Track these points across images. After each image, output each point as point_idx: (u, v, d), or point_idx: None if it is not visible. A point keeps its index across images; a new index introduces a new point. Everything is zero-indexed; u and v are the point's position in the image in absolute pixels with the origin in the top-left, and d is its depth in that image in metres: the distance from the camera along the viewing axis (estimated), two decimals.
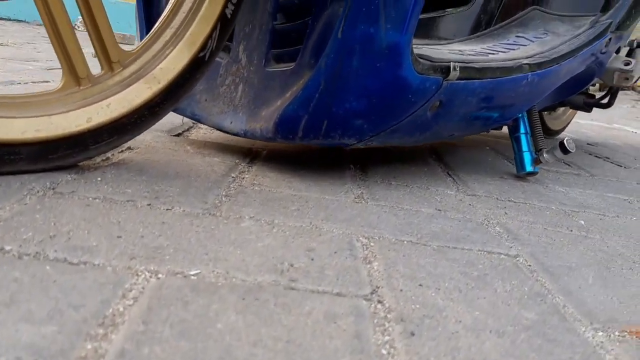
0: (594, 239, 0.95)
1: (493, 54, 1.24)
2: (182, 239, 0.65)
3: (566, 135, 1.28)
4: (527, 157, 1.32)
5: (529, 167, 1.31)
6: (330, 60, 0.92)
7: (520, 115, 1.33)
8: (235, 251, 0.64)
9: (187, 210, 0.76)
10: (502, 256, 0.78)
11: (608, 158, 1.88)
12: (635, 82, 1.76)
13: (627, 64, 1.57)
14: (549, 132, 2.21)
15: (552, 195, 1.22)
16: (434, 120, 1.08)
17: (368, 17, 0.90)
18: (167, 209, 0.76)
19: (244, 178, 0.99)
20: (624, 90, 2.10)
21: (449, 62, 1.02)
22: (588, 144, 2.30)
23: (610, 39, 1.46)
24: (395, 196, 1.03)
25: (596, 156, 1.90)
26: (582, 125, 3.05)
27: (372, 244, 0.75)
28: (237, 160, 1.11)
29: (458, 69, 1.02)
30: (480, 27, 1.39)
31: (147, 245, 0.62)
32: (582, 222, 1.06)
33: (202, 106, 1.13)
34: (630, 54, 1.76)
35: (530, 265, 0.77)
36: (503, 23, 1.40)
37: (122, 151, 1.03)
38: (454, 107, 1.08)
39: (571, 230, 0.98)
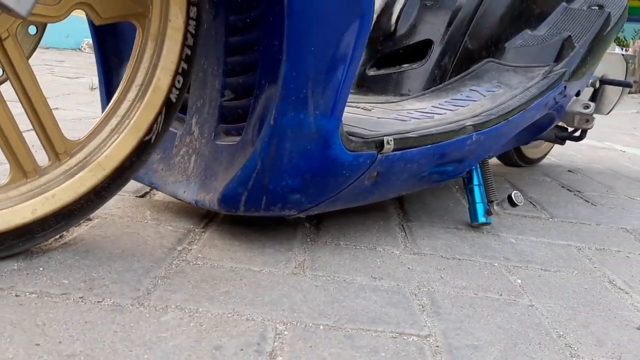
0: (519, 305, 0.98)
1: (441, 113, 1.28)
2: (97, 343, 0.70)
3: (514, 190, 1.31)
4: (480, 209, 1.35)
5: (481, 219, 1.34)
6: (264, 143, 0.97)
7: (474, 167, 1.36)
8: (144, 355, 0.69)
9: (116, 301, 0.82)
10: (412, 338, 0.82)
11: (579, 192, 1.91)
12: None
13: (587, 107, 1.60)
14: (528, 161, 2.24)
15: (499, 249, 1.25)
16: (375, 188, 1.12)
17: (297, 105, 0.95)
18: (97, 301, 0.81)
19: (190, 250, 1.04)
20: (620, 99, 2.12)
21: (383, 136, 1.06)
22: (569, 170, 2.32)
23: (565, 87, 1.49)
24: (335, 263, 1.07)
25: (568, 189, 1.93)
26: (570, 146, 3.06)
27: (286, 332, 0.79)
28: (191, 226, 1.16)
29: (392, 142, 1.06)
30: (435, 82, 1.43)
31: (61, 354, 0.67)
32: (519, 282, 1.10)
33: (159, 175, 1.19)
34: (594, 94, 1.79)
35: (437, 347, 0.81)
36: (458, 77, 1.43)
37: (79, 224, 1.08)
38: (393, 175, 1.12)
39: (501, 295, 1.02)
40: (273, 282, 0.95)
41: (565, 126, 2.02)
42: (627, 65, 1.99)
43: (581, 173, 2.27)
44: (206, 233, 1.14)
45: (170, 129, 1.20)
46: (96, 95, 2.96)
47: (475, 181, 1.37)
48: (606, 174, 2.31)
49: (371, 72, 1.44)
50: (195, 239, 1.10)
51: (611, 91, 2.00)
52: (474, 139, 1.24)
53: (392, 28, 1.45)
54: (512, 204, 1.30)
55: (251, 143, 1.01)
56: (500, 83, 1.43)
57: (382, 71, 1.43)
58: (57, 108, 2.48)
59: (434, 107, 1.33)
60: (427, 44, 1.44)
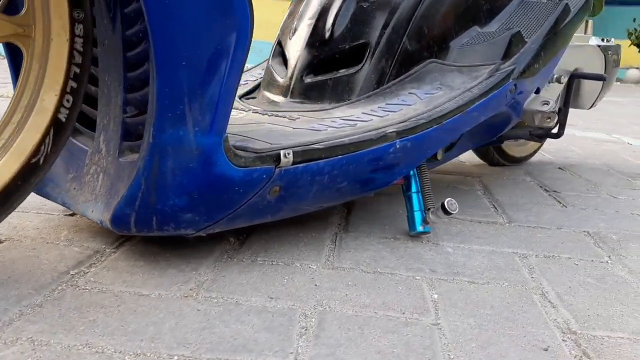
0: (419, 325, 0.91)
1: (366, 120, 1.21)
2: None
3: (448, 198, 1.23)
4: (417, 217, 1.28)
5: (418, 228, 1.27)
6: (146, 162, 0.93)
7: (412, 173, 1.29)
8: None
9: None
10: None
11: (556, 192, 1.80)
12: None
13: (546, 103, 1.50)
14: (514, 160, 2.14)
15: (430, 260, 1.18)
16: (282, 203, 1.07)
17: (175, 121, 0.90)
18: None
19: (86, 274, 1.00)
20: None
21: (280, 150, 1.00)
22: (559, 168, 2.21)
23: (515, 86, 1.40)
24: (238, 282, 1.02)
25: (545, 189, 1.83)
26: (574, 139, 2.93)
27: None
28: (103, 247, 1.13)
29: (290, 155, 1.00)
30: (373, 87, 1.36)
31: None
32: (435, 297, 1.03)
33: (71, 194, 1.15)
34: (568, 89, 1.69)
35: None
36: (397, 80, 1.36)
37: None
38: (300, 189, 1.06)
39: (404, 313, 0.95)
40: (154, 307, 0.91)
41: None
42: (605, 57, 1.87)
43: (571, 170, 2.16)
44: (116, 253, 1.11)
45: (82, 146, 1.17)
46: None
47: (414, 188, 1.30)
48: (598, 170, 2.19)
49: (308, 79, 1.38)
50: (100, 261, 1.06)
51: (591, 84, 1.89)
52: (397, 146, 1.17)
53: (329, 32, 1.38)
54: (446, 212, 1.22)
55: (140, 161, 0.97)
56: (442, 84, 1.36)
57: (319, 78, 1.37)
58: None
59: (364, 113, 1.26)
60: (363, 48, 1.37)
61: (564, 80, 1.65)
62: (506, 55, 1.40)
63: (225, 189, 0.96)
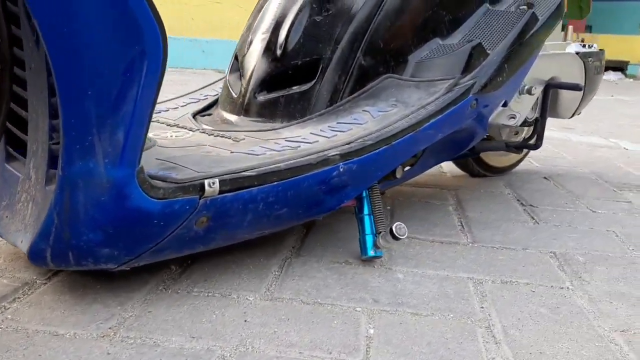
0: None
1: (310, 142, 1.16)
2: None
3: (397, 222, 1.17)
4: (369, 241, 1.22)
5: (369, 252, 1.21)
6: (58, 195, 0.88)
7: (364, 194, 1.23)
8: None
9: None
10: None
11: (532, 206, 1.73)
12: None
13: (512, 117, 1.43)
14: (496, 170, 2.06)
15: (376, 288, 1.12)
16: (212, 233, 1.01)
17: (85, 153, 0.85)
18: None
19: (6, 310, 0.96)
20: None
21: (204, 179, 0.95)
22: (544, 177, 2.14)
23: (477, 100, 1.34)
24: (163, 319, 0.97)
25: (522, 203, 1.75)
26: (568, 144, 2.84)
27: None
28: (34, 277, 1.09)
29: (216, 184, 0.95)
30: (326, 104, 1.30)
31: None
32: (372, 332, 0.97)
33: (4, 223, 1.11)
34: (544, 99, 1.61)
35: None
36: (351, 97, 1.30)
37: None
38: (231, 218, 1.00)
39: (330, 353, 0.90)
40: (62, 350, 0.86)
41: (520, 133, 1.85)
42: (585, 65, 1.79)
43: (556, 180, 2.08)
44: (46, 285, 1.06)
45: (16, 173, 1.12)
46: None
47: (365, 210, 1.24)
48: (585, 180, 2.10)
49: (261, 97, 1.32)
50: (26, 294, 1.02)
51: (570, 92, 1.81)
52: (341, 169, 1.11)
53: (281, 47, 1.33)
54: (394, 237, 1.16)
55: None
56: (398, 101, 1.29)
57: (272, 95, 1.32)
58: None
59: (313, 133, 1.20)
60: (316, 63, 1.31)
61: (536, 91, 1.57)
62: (466, 69, 1.33)
63: (142, 222, 0.91)
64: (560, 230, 1.50)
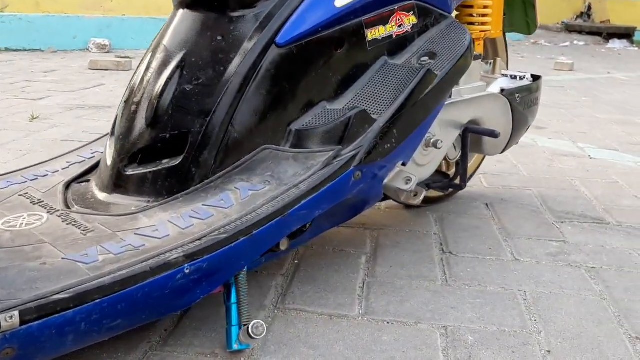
0: None
1: (158, 237, 1.06)
2: None
3: (255, 320, 1.08)
4: (234, 333, 1.14)
5: (233, 345, 1.13)
6: None
7: (232, 281, 1.14)
8: None
9: None
10: None
11: (451, 253, 1.63)
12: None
13: (408, 180, 1.32)
14: (428, 201, 1.95)
15: None
16: (28, 357, 0.93)
17: None
18: None
19: None
20: None
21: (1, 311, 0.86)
22: (486, 204, 2.02)
23: (362, 171, 1.23)
24: None
25: (442, 250, 1.65)
26: (531, 151, 2.70)
27: None
28: None
29: (15, 318, 0.87)
30: (195, 181, 1.20)
31: None
32: None
33: None
34: (464, 144, 1.50)
35: None
36: (224, 172, 1.20)
37: None
38: (45, 343, 0.92)
39: None
40: None
41: (444, 172, 1.73)
42: (511, 102, 1.66)
43: (496, 210, 1.97)
44: None
45: None
46: (32, 129, 2.85)
47: (232, 299, 1.15)
48: (526, 209, 1.98)
49: (129, 171, 1.22)
50: None
51: (500, 128, 1.68)
52: (187, 270, 1.02)
53: (150, 118, 1.22)
54: (250, 335, 1.07)
55: None
56: (273, 176, 1.19)
57: (140, 170, 1.22)
58: None
59: (170, 221, 1.11)
60: (185, 137, 1.21)
61: (444, 143, 1.45)
62: (348, 139, 1.22)
63: None
64: (465, 294, 1.40)
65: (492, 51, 2.05)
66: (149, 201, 1.20)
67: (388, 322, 1.28)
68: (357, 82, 1.32)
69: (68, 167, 1.39)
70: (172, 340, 1.20)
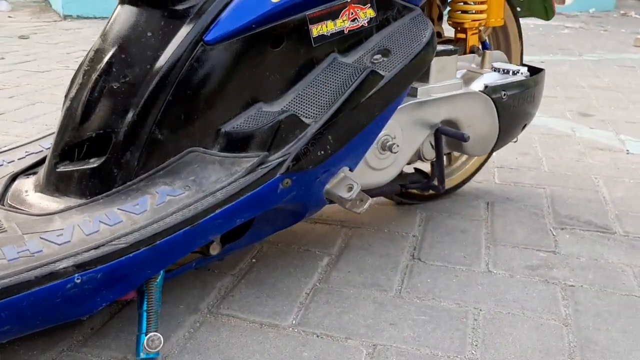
0: None
1: (58, 244, 1.05)
2: None
3: (152, 333, 1.05)
4: (142, 340, 1.12)
5: (140, 353, 1.11)
6: None
7: (144, 288, 1.12)
8: None
9: None
10: None
11: (420, 260, 1.53)
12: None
13: (350, 188, 1.24)
14: (422, 198, 1.85)
15: None
16: None
17: None
18: None
19: None
20: None
21: None
22: (487, 203, 1.90)
23: (293, 179, 1.16)
24: None
25: (412, 255, 1.56)
26: (566, 143, 2.51)
27: None
28: None
29: None
30: (117, 182, 1.17)
31: None
32: None
33: None
34: (437, 146, 1.41)
35: None
36: (147, 174, 1.16)
37: None
38: None
39: None
40: None
41: (421, 173, 1.63)
42: (495, 101, 1.52)
43: (495, 210, 1.85)
44: None
45: None
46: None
47: (143, 306, 1.13)
48: (526, 212, 1.84)
49: (61, 167, 1.21)
50: None
51: (482, 128, 1.56)
52: (78, 280, 1.00)
53: (79, 116, 1.20)
54: (145, 349, 1.05)
55: None
56: (195, 181, 1.14)
57: (69, 168, 1.20)
58: None
59: (79, 225, 1.09)
60: (109, 137, 1.18)
61: (397, 149, 1.35)
62: (276, 145, 1.15)
63: None
64: (412, 309, 1.32)
65: (504, 41, 1.90)
66: (73, 201, 1.18)
67: (317, 336, 1.22)
68: (301, 81, 1.24)
69: (24, 158, 1.39)
70: (92, 341, 1.19)
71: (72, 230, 1.08)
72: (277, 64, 1.22)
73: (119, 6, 1.26)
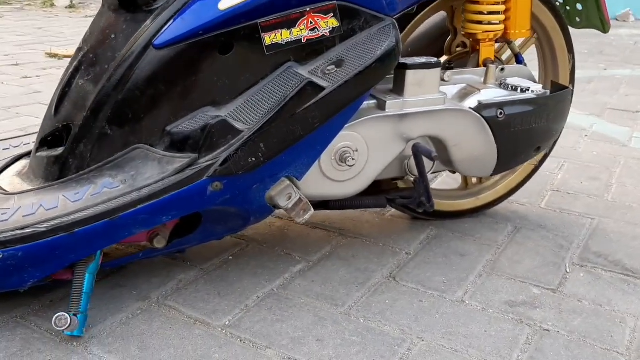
0: None
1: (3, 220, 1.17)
2: None
3: (60, 313, 1.14)
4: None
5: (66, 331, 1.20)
6: None
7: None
8: None
9: None
10: None
11: (395, 280, 1.48)
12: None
13: (289, 197, 1.24)
14: (445, 216, 1.77)
15: None
16: None
17: None
18: None
19: None
20: None
21: None
22: (515, 227, 1.78)
23: (224, 183, 1.19)
24: None
25: (392, 278, 1.51)
26: (618, 155, 2.24)
27: None
28: None
29: None
30: (71, 171, 1.27)
31: None
32: None
33: None
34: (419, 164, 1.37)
35: None
36: (96, 166, 1.25)
37: None
38: None
39: None
40: None
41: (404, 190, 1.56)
42: (489, 120, 1.42)
43: (517, 237, 1.72)
44: None
45: None
46: None
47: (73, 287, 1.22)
48: (553, 243, 1.69)
49: (39, 153, 1.34)
50: None
51: (478, 148, 1.46)
52: (0, 255, 1.11)
53: (55, 107, 1.32)
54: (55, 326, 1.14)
55: None
56: (133, 176, 1.21)
57: (44, 153, 1.33)
58: None
59: (23, 206, 1.21)
60: (68, 129, 1.29)
61: (353, 162, 1.30)
62: (207, 148, 1.18)
63: None
64: (351, 329, 1.28)
65: (550, 54, 1.75)
66: (39, 184, 1.30)
67: (241, 340, 1.23)
68: (252, 88, 1.25)
69: (30, 144, 1.55)
70: (43, 311, 1.30)
71: (15, 211, 1.19)
72: (227, 70, 1.24)
73: (100, 7, 1.36)
